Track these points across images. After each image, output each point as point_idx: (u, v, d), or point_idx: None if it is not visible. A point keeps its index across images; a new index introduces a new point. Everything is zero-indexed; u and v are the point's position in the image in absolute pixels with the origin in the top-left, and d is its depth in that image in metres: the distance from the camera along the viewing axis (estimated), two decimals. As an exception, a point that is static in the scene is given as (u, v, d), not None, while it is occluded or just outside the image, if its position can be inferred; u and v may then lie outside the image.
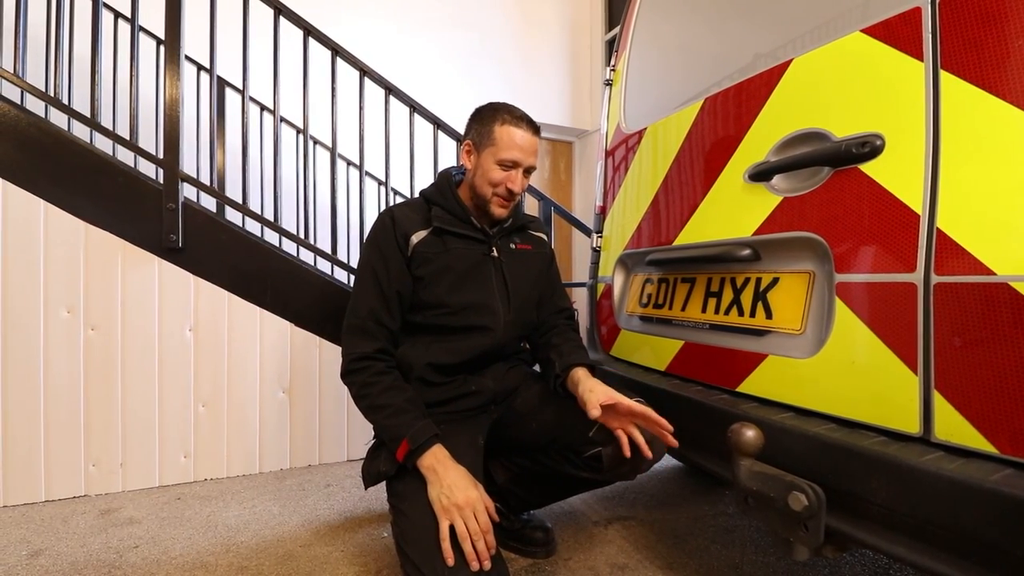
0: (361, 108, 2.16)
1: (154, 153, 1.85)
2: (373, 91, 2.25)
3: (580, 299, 1.51)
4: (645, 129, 1.45)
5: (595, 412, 1.04)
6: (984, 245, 0.69)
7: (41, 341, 1.66)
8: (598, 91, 5.14)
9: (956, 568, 0.65)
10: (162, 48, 2.54)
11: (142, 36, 2.56)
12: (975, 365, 0.69)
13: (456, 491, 1.00)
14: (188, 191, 1.89)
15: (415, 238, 1.22)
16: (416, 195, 1.39)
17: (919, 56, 0.79)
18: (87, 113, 1.80)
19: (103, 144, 2.13)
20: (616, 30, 5.02)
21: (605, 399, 1.06)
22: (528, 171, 1.25)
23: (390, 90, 2.20)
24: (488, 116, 1.24)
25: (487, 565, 0.94)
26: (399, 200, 3.38)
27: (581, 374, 1.18)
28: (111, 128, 1.86)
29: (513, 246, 1.35)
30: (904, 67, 0.80)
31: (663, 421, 1.02)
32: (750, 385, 1.02)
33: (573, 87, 5.16)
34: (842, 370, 0.85)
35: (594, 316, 1.65)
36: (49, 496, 1.68)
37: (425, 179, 2.17)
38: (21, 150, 1.65)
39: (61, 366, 1.69)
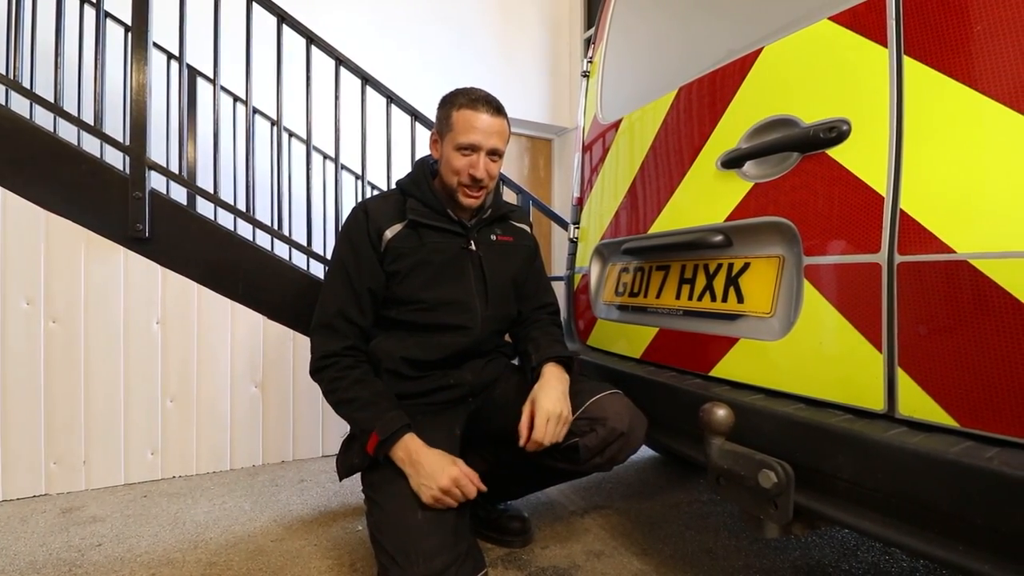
0: (337, 98, 2.13)
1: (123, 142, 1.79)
2: (349, 82, 2.22)
3: (559, 293, 1.50)
4: (621, 119, 1.46)
5: (522, 440, 1.10)
6: (945, 225, 0.70)
7: (-2, 334, 1.60)
8: (577, 89, 5.16)
9: (919, 539, 0.67)
10: (130, 35, 2.48)
11: (112, 25, 2.48)
12: (937, 341, 0.70)
13: (437, 476, 0.99)
14: (157, 182, 1.84)
15: (389, 233, 1.19)
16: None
17: (883, 42, 0.80)
18: (50, 99, 1.74)
19: (68, 132, 2.06)
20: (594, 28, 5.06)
21: (526, 421, 1.10)
22: (492, 155, 1.19)
23: (367, 80, 2.18)
24: (448, 103, 1.20)
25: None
26: (375, 193, 3.34)
27: (548, 374, 1.18)
28: (76, 115, 1.79)
29: (494, 237, 1.31)
30: (869, 53, 0.82)
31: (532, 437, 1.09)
32: (722, 369, 1.03)
33: (552, 85, 5.17)
34: (810, 351, 0.86)
35: (571, 307, 1.65)
36: (7, 496, 1.61)
37: (403, 173, 2.14)
38: (-22, 136, 1.58)
39: (20, 360, 1.62)
